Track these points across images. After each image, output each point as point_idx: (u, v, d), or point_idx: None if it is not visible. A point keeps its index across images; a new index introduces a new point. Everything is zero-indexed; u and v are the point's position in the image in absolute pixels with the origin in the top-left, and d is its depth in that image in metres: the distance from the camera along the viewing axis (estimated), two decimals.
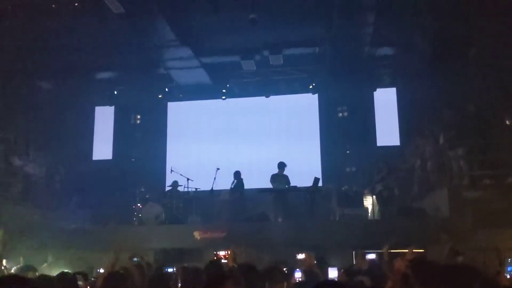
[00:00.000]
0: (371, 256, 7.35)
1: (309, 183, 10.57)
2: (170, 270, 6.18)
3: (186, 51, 11.07)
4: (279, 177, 10.84)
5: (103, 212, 10.87)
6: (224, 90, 13.21)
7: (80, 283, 4.35)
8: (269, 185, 10.81)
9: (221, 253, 5.41)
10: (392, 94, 12.64)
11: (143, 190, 11.74)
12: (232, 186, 11.15)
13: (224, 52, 11.89)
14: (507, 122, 8.94)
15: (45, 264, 8.02)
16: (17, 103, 11.25)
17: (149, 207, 10.73)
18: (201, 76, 12.49)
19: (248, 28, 9.01)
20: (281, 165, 10.93)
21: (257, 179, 11.36)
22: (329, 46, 11.21)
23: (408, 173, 10.99)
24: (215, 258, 5.43)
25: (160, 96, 13.48)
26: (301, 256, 6.93)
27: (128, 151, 13.57)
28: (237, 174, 11.26)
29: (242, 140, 12.85)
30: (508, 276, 3.78)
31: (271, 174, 10.89)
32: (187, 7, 9.73)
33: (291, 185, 10.79)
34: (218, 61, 12.29)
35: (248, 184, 11.29)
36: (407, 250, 4.84)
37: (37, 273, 5.20)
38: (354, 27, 10.02)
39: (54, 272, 5.22)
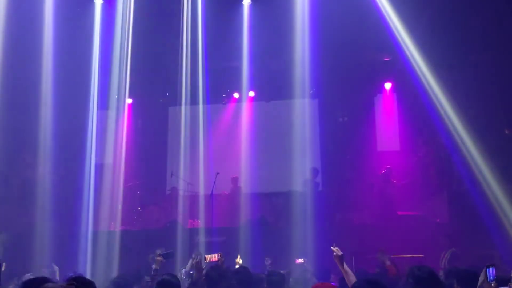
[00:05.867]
0: None
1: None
2: None
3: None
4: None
5: None
6: (224, 95, 13.26)
7: None
8: (269, 190, 10.85)
9: (208, 256, 5.45)
10: (392, 99, 12.67)
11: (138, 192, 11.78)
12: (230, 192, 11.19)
13: (226, 56, 11.95)
14: (506, 132, 8.96)
15: None
16: None
17: (149, 211, 10.78)
18: (202, 80, 12.54)
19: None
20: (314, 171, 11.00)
21: (257, 183, 11.38)
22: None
23: None
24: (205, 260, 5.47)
25: (161, 100, 13.54)
26: (300, 260, 6.96)
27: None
28: (235, 180, 11.29)
29: (242, 144, 12.87)
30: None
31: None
32: None
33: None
34: (219, 65, 12.33)
35: (248, 188, 11.32)
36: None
37: None
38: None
39: None
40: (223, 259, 5.41)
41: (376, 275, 5.81)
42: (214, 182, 10.75)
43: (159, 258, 5.25)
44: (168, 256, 5.51)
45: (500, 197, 8.49)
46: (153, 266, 5.42)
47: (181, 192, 11.42)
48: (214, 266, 5.18)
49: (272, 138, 13.07)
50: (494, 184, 8.77)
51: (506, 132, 8.99)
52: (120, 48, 11.41)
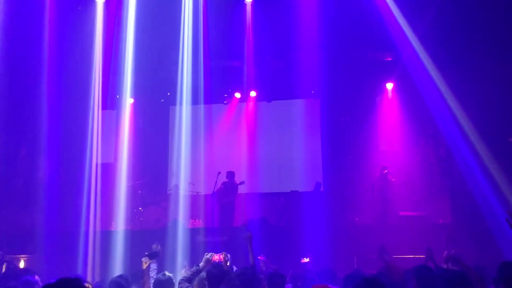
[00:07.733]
0: None
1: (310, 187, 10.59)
2: None
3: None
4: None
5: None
6: (225, 95, 13.24)
7: None
8: (270, 190, 10.83)
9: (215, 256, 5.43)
10: (394, 99, 12.63)
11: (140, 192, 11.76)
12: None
13: (227, 55, 11.92)
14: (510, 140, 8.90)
15: None
16: None
17: (150, 211, 10.75)
18: (204, 80, 12.51)
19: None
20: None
21: (259, 183, 11.35)
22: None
23: None
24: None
25: (162, 100, 13.52)
26: (306, 260, 6.93)
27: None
28: (230, 175, 11.20)
29: (244, 144, 12.84)
30: None
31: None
32: None
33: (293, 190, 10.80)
34: (220, 64, 12.31)
35: (249, 189, 11.29)
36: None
37: None
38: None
39: None
40: (227, 258, 5.38)
41: (377, 274, 5.76)
42: (216, 182, 10.73)
43: (145, 259, 5.23)
44: (154, 256, 5.49)
45: (503, 197, 8.45)
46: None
47: (182, 192, 11.39)
48: (216, 265, 5.14)
49: (273, 138, 13.05)
50: (497, 184, 8.73)
51: (511, 140, 8.93)
52: (121, 48, 11.39)
